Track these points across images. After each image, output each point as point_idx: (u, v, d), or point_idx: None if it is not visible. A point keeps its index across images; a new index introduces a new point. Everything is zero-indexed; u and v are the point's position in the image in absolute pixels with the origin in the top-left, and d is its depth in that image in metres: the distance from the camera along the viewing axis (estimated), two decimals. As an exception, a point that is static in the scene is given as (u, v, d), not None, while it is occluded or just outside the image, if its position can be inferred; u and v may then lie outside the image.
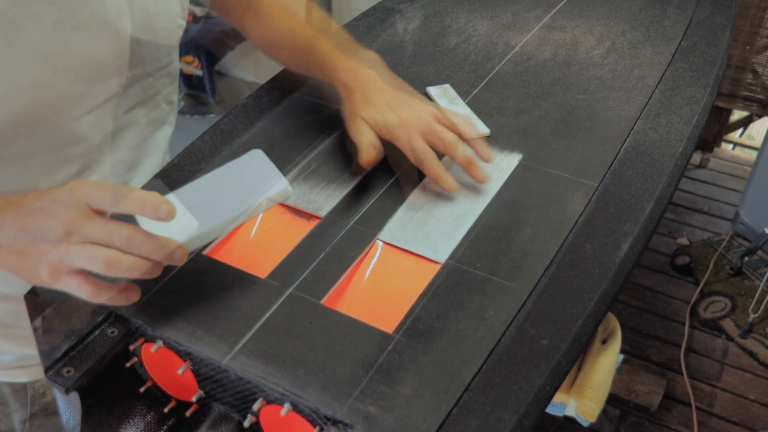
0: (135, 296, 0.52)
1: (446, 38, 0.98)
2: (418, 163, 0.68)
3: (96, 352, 0.54)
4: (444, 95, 0.85)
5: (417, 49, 0.95)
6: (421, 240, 0.64)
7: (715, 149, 2.53)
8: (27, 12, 0.57)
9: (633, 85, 0.88)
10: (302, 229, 0.65)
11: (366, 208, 0.67)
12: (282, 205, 0.68)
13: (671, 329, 1.83)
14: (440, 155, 0.69)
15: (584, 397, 1.09)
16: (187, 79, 2.67)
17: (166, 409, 0.58)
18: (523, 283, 0.59)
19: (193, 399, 0.56)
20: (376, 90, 0.71)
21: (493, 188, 0.70)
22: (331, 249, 0.62)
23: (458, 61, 0.93)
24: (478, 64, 0.92)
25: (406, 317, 0.56)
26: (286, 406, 0.50)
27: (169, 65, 0.77)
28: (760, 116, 2.38)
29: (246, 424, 0.52)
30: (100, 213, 0.49)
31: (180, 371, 0.53)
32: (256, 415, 0.52)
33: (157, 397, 0.59)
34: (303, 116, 0.81)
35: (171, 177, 0.70)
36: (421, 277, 0.60)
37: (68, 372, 0.52)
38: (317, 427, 0.49)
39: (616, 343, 1.14)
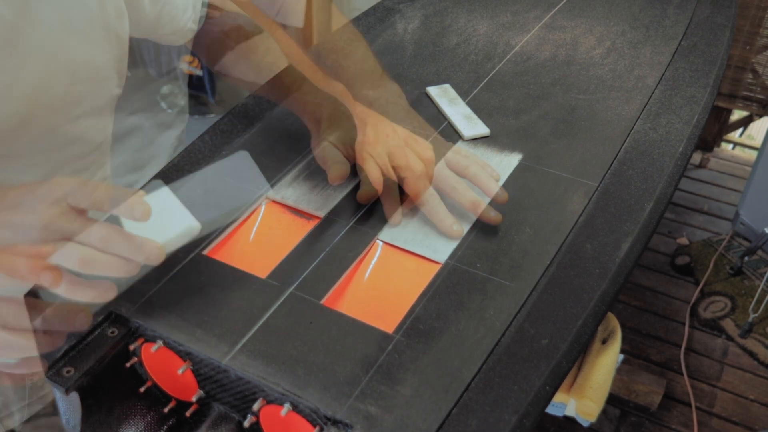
0: (111, 294, 0.52)
1: (446, 38, 0.98)
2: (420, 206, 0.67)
3: (96, 352, 0.54)
4: (444, 95, 0.85)
5: (417, 49, 0.95)
6: (421, 240, 0.63)
7: (715, 149, 2.53)
8: (27, 15, 0.57)
9: (633, 85, 0.88)
10: (302, 229, 0.65)
11: (366, 208, 0.67)
12: (282, 205, 0.68)
13: (671, 329, 1.83)
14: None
15: (584, 397, 1.10)
16: (187, 79, 2.67)
17: (166, 409, 0.58)
18: (523, 283, 0.59)
19: (193, 399, 0.55)
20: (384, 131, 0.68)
21: (493, 188, 0.70)
22: (331, 249, 0.62)
23: (458, 61, 0.93)
24: (478, 64, 0.92)
25: (406, 317, 0.56)
26: (286, 406, 0.50)
27: (173, 70, 0.77)
28: (760, 116, 2.38)
29: (246, 424, 0.52)
30: (80, 211, 0.50)
31: (180, 371, 0.53)
32: (256, 415, 0.52)
33: (157, 397, 0.59)
34: (303, 116, 0.81)
35: (171, 177, 0.70)
36: (421, 277, 0.60)
37: (68, 372, 0.52)
38: (317, 427, 0.49)
39: (616, 343, 1.14)
